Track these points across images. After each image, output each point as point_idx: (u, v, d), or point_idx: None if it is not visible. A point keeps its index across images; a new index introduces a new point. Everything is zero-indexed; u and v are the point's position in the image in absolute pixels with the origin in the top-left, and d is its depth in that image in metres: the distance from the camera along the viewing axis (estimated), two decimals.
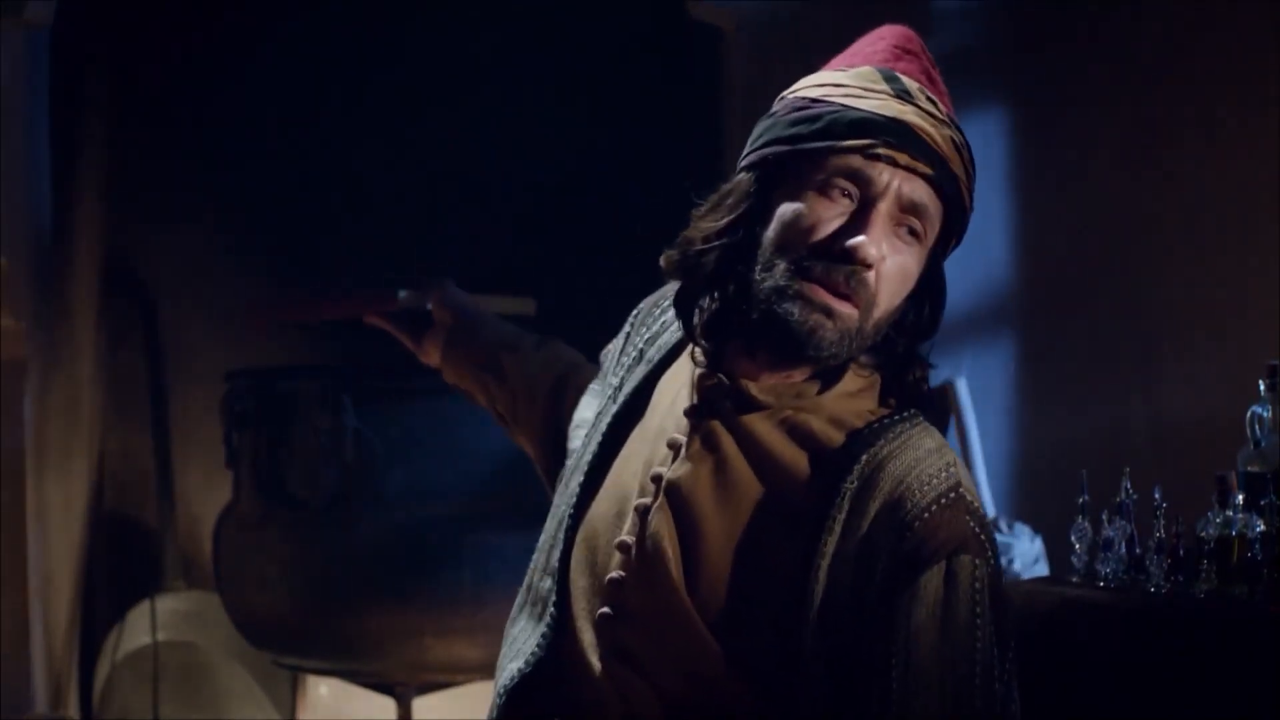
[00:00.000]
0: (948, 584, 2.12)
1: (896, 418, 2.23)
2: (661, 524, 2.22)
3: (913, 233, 2.20)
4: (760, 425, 2.23)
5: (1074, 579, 3.04)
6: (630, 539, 2.24)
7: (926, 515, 2.13)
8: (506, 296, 3.34)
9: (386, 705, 4.47)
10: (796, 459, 2.21)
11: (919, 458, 2.18)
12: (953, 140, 2.20)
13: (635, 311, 2.49)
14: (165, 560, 5.12)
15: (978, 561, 2.14)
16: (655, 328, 2.44)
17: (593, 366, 2.59)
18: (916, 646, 2.10)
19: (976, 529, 2.15)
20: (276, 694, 4.99)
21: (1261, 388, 3.04)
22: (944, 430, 4.35)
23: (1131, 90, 4.41)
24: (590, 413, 2.48)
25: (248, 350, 5.12)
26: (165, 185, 5.29)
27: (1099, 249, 4.46)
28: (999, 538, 4.12)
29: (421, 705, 4.46)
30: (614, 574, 2.24)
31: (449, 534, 4.22)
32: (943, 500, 2.15)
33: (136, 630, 4.96)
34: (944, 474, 2.17)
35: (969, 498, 2.16)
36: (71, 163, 4.87)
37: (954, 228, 2.25)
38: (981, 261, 4.44)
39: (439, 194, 5.28)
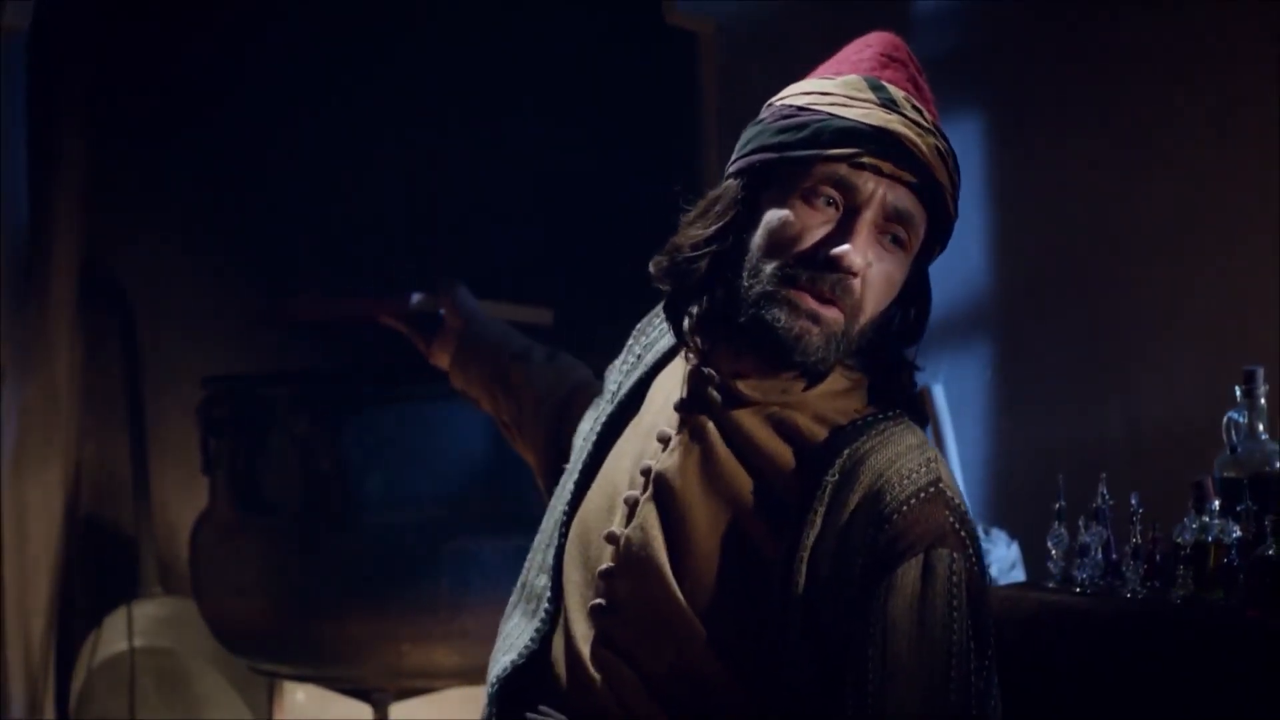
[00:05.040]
0: (925, 577, 2.13)
1: (880, 416, 2.24)
2: (649, 514, 2.25)
3: (897, 240, 2.23)
4: (747, 419, 2.25)
5: (1050, 585, 3.04)
6: (619, 530, 2.27)
7: (905, 508, 2.15)
8: (523, 305, 3.38)
9: (363, 711, 4.46)
10: (781, 452, 2.23)
11: (900, 452, 2.19)
12: (938, 149, 2.23)
13: (637, 326, 2.52)
14: (142, 566, 5.10)
15: (955, 556, 2.15)
16: (653, 335, 2.47)
17: (599, 384, 2.60)
18: (893, 638, 2.12)
19: (955, 523, 2.17)
20: (253, 700, 4.97)
21: (1238, 393, 3.04)
22: None
23: (1110, 96, 4.41)
24: (589, 424, 2.50)
25: (225, 356, 5.12)
26: (143, 191, 5.28)
27: (1076, 254, 4.46)
28: None
29: (398, 711, 4.45)
30: (605, 565, 2.27)
31: (426, 540, 4.22)
32: (922, 494, 2.16)
33: (113, 636, 4.95)
34: (924, 469, 2.18)
35: (949, 493, 2.18)
36: (48, 169, 4.85)
37: (938, 234, 2.27)
38: (958, 267, 4.44)
39: (415, 201, 5.27)
